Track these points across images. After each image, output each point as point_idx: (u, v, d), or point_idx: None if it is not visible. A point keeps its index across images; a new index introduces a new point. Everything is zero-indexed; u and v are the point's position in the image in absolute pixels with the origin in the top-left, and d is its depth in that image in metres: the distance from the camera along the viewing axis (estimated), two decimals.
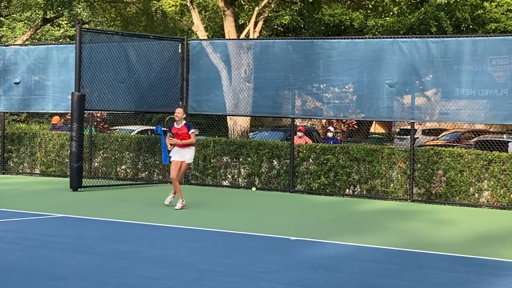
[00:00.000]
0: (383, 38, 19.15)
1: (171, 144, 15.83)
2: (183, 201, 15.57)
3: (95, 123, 26.65)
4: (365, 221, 14.45)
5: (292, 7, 35.34)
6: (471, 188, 17.20)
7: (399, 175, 18.01)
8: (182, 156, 15.70)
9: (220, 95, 20.76)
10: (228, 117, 23.85)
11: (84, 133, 22.65)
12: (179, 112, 15.88)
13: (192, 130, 15.66)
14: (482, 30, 36.18)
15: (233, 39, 23.81)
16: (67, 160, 21.49)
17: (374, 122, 35.60)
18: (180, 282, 8.60)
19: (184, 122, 15.76)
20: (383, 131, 41.71)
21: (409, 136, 18.90)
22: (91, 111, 21.11)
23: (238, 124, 24.03)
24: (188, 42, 21.20)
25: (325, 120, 28.88)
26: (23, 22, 48.05)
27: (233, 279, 8.79)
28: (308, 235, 12.33)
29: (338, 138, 26.12)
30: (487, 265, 10.35)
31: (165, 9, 36.40)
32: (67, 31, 47.61)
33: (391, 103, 18.24)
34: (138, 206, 16.19)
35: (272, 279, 8.82)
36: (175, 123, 15.81)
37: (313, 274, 9.25)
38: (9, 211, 14.51)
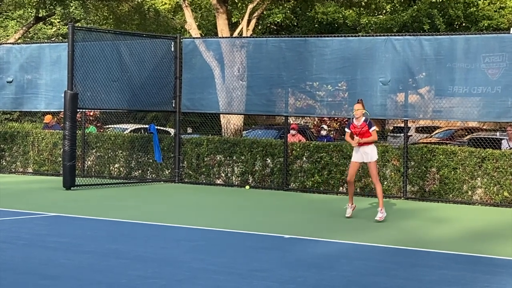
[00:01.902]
0: (376, 36, 19.15)
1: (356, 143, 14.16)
2: (382, 209, 14.09)
3: (95, 122, 26.64)
4: (358, 219, 14.44)
5: (285, 5, 35.31)
6: (465, 186, 17.22)
7: (392, 173, 18.01)
8: (362, 156, 14.22)
9: (213, 94, 20.74)
10: (221, 115, 23.82)
11: (86, 131, 22.70)
12: (358, 109, 14.16)
13: (373, 128, 14.09)
14: (475, 27, 36.25)
15: (226, 37, 23.77)
16: (60, 159, 21.46)
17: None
18: (173, 281, 8.59)
19: (363, 118, 14.16)
20: (377, 129, 41.72)
21: (402, 134, 18.90)
22: (84, 110, 21.05)
23: (231, 122, 24.01)
24: (181, 40, 21.18)
25: (317, 118, 28.90)
26: (15, 21, 47.92)
27: (227, 278, 8.78)
28: (302, 233, 12.32)
29: (332, 136, 26.13)
30: (481, 262, 10.36)
31: (158, 8, 36.35)
32: (59, 30, 47.51)
33: (384, 101, 18.24)
34: (132, 205, 16.16)
35: (266, 278, 8.81)
36: (353, 119, 14.28)
37: (306, 272, 9.24)
38: (2, 210, 14.46)
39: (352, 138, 14.19)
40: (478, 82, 17.12)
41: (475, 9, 36.75)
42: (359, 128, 14.14)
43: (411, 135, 28.71)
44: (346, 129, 14.52)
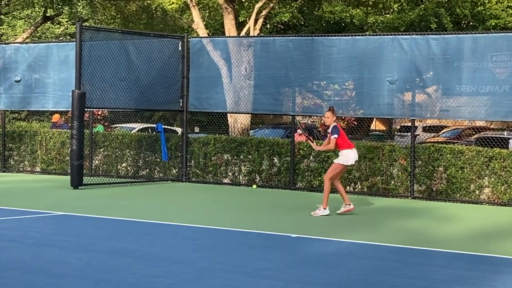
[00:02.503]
0: (383, 35, 19.14)
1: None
2: (321, 208, 14.53)
3: (102, 121, 26.68)
4: (365, 218, 14.45)
5: (293, 4, 35.32)
6: (472, 185, 17.20)
7: (399, 172, 18.00)
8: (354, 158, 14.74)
9: (220, 93, 20.76)
10: (228, 114, 23.83)
11: (94, 130, 22.74)
12: (327, 117, 14.81)
13: (334, 136, 14.50)
14: (482, 26, 36.18)
15: (233, 37, 23.79)
16: (68, 158, 21.50)
17: (374, 119, 35.57)
18: (180, 280, 8.60)
19: (332, 125, 14.65)
20: (384, 128, 41.70)
21: (409, 133, 18.89)
22: (91, 109, 21.10)
23: (238, 121, 24.03)
24: (189, 39, 21.19)
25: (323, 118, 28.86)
26: (23, 20, 48.03)
27: (233, 277, 8.79)
28: (309, 233, 12.32)
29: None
30: (488, 261, 10.35)
31: (165, 7, 36.39)
32: (67, 29, 47.60)
33: (391, 100, 18.23)
34: (139, 204, 16.19)
35: (273, 277, 8.82)
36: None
37: (313, 271, 9.25)
38: (10, 209, 14.51)
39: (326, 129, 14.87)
40: (485, 81, 17.09)
41: (482, 8, 36.69)
42: (330, 135, 14.68)
43: (418, 135, 28.66)
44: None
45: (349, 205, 14.66)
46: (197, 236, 11.89)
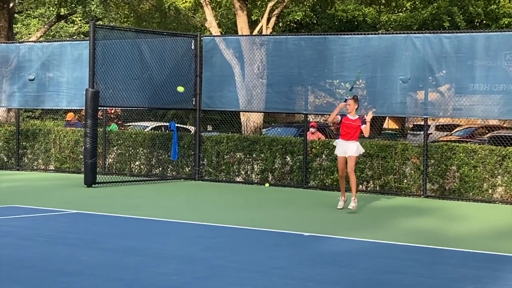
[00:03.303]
0: (396, 33, 19.12)
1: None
2: (355, 199, 14.79)
3: (116, 120, 26.77)
4: (378, 217, 14.45)
5: (305, 2, 35.31)
6: (485, 184, 17.16)
7: (412, 171, 17.98)
8: (345, 151, 14.91)
9: (233, 91, 20.79)
10: (241, 113, 23.87)
11: (108, 129, 22.81)
12: (350, 104, 14.95)
13: (364, 125, 14.79)
14: (495, 25, 36.07)
15: (246, 35, 23.82)
16: (81, 156, 21.57)
17: (387, 118, 35.53)
18: (193, 278, 8.63)
19: (358, 115, 14.99)
20: (397, 127, 41.65)
21: (422, 132, 18.87)
22: (105, 108, 21.18)
23: (251, 120, 24.05)
24: (201, 38, 21.23)
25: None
26: (37, 19, 48.22)
27: (246, 275, 8.81)
28: (322, 231, 12.34)
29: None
30: (501, 260, 10.34)
31: (178, 6, 36.47)
32: (81, 28, 47.76)
33: (404, 98, 18.21)
34: (152, 202, 16.24)
35: (285, 275, 8.84)
36: (348, 115, 14.93)
37: (325, 269, 9.27)
38: (23, 207, 14.58)
39: (338, 127, 14.80)
40: (499, 80, 17.05)
41: (495, 6, 36.57)
42: (354, 122, 14.79)
43: (431, 133, 28.61)
44: (338, 116, 14.99)
45: (345, 198, 15.09)
46: (209, 235, 11.92)
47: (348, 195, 15.21)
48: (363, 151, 15.49)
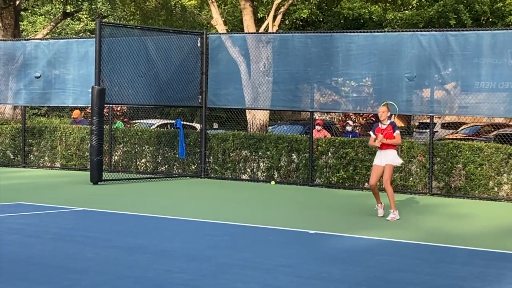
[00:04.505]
0: (402, 31, 19.10)
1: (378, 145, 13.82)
2: (395, 211, 13.72)
3: (122, 117, 26.80)
4: (383, 215, 14.43)
5: (311, 0, 35.29)
6: (491, 182, 17.16)
7: (418, 169, 17.98)
8: (384, 160, 13.79)
9: (239, 89, 20.80)
10: (247, 111, 23.88)
11: (114, 127, 22.84)
12: (383, 112, 13.90)
13: (397, 132, 13.78)
14: (501, 23, 36.01)
15: (252, 33, 23.83)
16: (88, 153, 21.61)
17: (393, 115, 35.49)
18: (199, 275, 8.64)
19: (389, 121, 13.88)
20: (402, 125, 41.59)
21: (428, 130, 18.85)
22: (111, 105, 21.21)
23: (257, 117, 24.06)
24: (207, 36, 21.24)
25: (343, 114, 28.86)
26: (43, 16, 48.27)
27: (252, 273, 8.82)
28: (327, 229, 12.35)
29: (357, 131, 26.10)
30: (507, 258, 10.34)
31: (184, 3, 36.47)
32: (87, 25, 47.80)
33: (410, 96, 18.21)
34: (158, 199, 16.26)
35: (291, 273, 8.85)
36: (379, 123, 13.95)
37: (331, 267, 9.27)
38: (30, 205, 14.61)
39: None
40: (505, 78, 17.04)
41: (501, 4, 36.50)
42: (385, 130, 13.78)
43: (437, 131, 28.56)
44: (371, 133, 14.09)
45: (382, 204, 14.11)
46: (215, 232, 11.93)
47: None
48: (401, 161, 14.35)
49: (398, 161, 13.96)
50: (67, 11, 36.67)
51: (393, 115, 14.42)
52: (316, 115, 28.08)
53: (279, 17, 28.83)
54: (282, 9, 29.06)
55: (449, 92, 18.06)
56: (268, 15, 29.47)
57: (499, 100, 17.23)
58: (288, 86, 19.85)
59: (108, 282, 8.22)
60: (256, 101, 20.60)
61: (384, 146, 13.77)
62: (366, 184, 18.54)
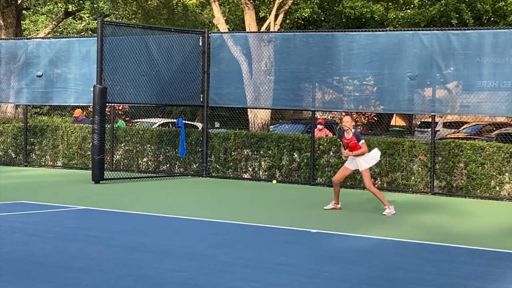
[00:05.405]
0: (404, 30, 19.10)
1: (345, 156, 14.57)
2: (389, 206, 14.22)
3: (123, 116, 26.81)
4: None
5: None
6: (492, 181, 17.15)
7: (420, 168, 17.98)
8: (355, 165, 14.41)
9: (240, 88, 20.81)
10: (248, 110, 23.87)
11: (115, 126, 22.85)
12: (347, 121, 14.48)
13: (362, 141, 14.22)
14: (503, 22, 35.96)
15: (253, 32, 23.81)
16: (89, 152, 21.62)
17: (394, 115, 35.50)
18: (200, 274, 8.65)
19: (352, 132, 14.34)
20: (404, 124, 41.60)
21: (430, 129, 18.85)
22: (112, 104, 21.22)
23: (258, 116, 24.06)
24: (209, 35, 21.24)
25: (343, 113, 28.85)
26: (45, 16, 48.29)
27: (253, 272, 8.83)
28: (329, 228, 12.35)
29: (359, 131, 26.08)
30: (509, 258, 10.34)
31: (186, 2, 36.45)
32: (89, 24, 47.82)
33: (411, 95, 18.21)
34: (159, 198, 16.27)
35: (292, 272, 8.85)
36: (345, 133, 14.33)
37: (332, 266, 9.28)
38: (31, 204, 14.62)
39: (345, 148, 14.34)
40: (507, 77, 17.04)
41: (503, 3, 36.45)
42: (349, 141, 14.25)
43: (439, 130, 28.57)
44: (340, 140, 14.57)
45: (338, 204, 14.74)
46: (217, 231, 11.93)
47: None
48: (375, 158, 14.51)
49: (371, 162, 14.44)
50: (69, 10, 36.67)
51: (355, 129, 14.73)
52: (318, 114, 28.06)
53: (280, 16, 28.81)
54: (284, 8, 29.05)
55: (450, 91, 18.07)
56: (269, 14, 29.45)
57: (501, 99, 17.22)
58: (289, 85, 19.85)
59: (110, 281, 8.22)
60: (258, 100, 20.60)
61: (354, 155, 14.29)
62: None
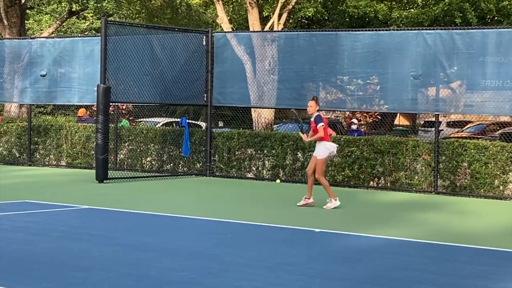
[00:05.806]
0: (407, 30, 19.11)
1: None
2: (331, 200, 14.57)
3: (127, 116, 26.84)
4: (389, 213, 14.45)
5: None
6: (496, 180, 17.14)
7: (423, 167, 17.97)
8: (315, 151, 14.72)
9: (244, 87, 20.81)
10: (252, 109, 23.88)
11: (119, 125, 22.87)
12: (311, 106, 14.67)
13: (320, 125, 14.37)
14: (507, 21, 35.92)
15: (257, 32, 23.83)
16: (93, 152, 21.64)
17: (398, 114, 35.49)
18: (203, 274, 8.65)
19: (315, 115, 14.57)
20: (408, 123, 41.59)
21: (433, 128, 18.85)
22: (116, 103, 21.24)
23: (262, 116, 24.07)
24: (213, 34, 21.26)
25: (348, 112, 28.85)
26: (49, 15, 48.34)
27: (256, 271, 8.83)
28: (332, 227, 12.35)
29: (362, 130, 26.10)
30: (511, 257, 10.33)
31: (189, 2, 36.47)
32: (92, 24, 47.86)
33: (415, 95, 18.21)
34: (163, 198, 16.28)
35: (295, 271, 8.85)
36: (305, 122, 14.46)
37: (335, 266, 9.28)
38: (36, 203, 14.64)
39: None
40: (510, 76, 17.04)
41: (507, 2, 36.40)
42: (312, 124, 14.54)
43: (442, 130, 28.57)
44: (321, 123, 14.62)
45: (309, 199, 14.83)
46: (220, 231, 11.94)
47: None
48: (330, 151, 14.76)
49: (322, 153, 14.52)
50: (72, 9, 36.69)
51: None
52: (322, 114, 28.03)
53: (284, 16, 28.82)
54: (287, 8, 29.05)
55: (454, 90, 18.06)
56: (273, 14, 29.46)
57: (504, 98, 17.21)
58: (293, 85, 19.86)
59: (113, 280, 8.23)
60: (261, 99, 20.61)
61: (309, 139, 14.84)
62: (372, 182, 18.57)
